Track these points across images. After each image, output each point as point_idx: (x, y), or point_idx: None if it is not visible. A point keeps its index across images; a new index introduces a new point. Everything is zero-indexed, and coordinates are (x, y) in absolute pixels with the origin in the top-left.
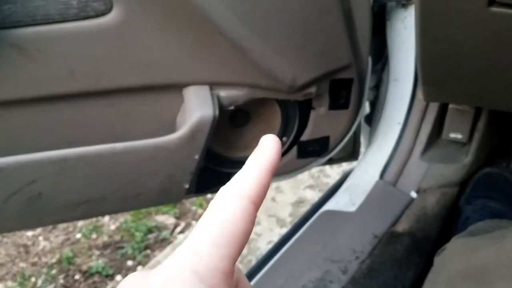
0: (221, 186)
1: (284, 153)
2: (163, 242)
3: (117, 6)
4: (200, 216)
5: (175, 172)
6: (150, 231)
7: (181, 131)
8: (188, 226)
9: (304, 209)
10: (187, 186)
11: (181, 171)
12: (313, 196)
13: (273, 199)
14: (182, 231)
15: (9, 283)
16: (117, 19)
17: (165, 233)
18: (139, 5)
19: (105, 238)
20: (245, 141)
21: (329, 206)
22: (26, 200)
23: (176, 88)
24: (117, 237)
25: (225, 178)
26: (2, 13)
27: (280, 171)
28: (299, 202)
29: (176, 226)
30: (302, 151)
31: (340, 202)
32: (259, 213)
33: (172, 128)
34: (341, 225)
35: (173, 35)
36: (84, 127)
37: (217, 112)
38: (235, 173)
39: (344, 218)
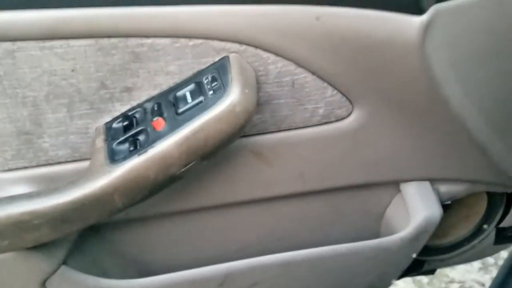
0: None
1: (482, 239)
2: None
3: (357, 110)
4: None
5: (388, 270)
6: None
7: (405, 232)
8: None
9: None
10: (394, 280)
11: (395, 269)
12: None
13: None
14: None
15: None
16: (355, 123)
17: None
18: (378, 109)
19: None
20: (443, 228)
21: None
22: None
23: (393, 183)
24: None
25: (419, 265)
26: (252, 123)
27: (475, 257)
28: None
29: None
30: (500, 237)
31: None
32: None
33: (379, 220)
34: None
35: (412, 137)
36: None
37: (442, 211)
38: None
39: None
